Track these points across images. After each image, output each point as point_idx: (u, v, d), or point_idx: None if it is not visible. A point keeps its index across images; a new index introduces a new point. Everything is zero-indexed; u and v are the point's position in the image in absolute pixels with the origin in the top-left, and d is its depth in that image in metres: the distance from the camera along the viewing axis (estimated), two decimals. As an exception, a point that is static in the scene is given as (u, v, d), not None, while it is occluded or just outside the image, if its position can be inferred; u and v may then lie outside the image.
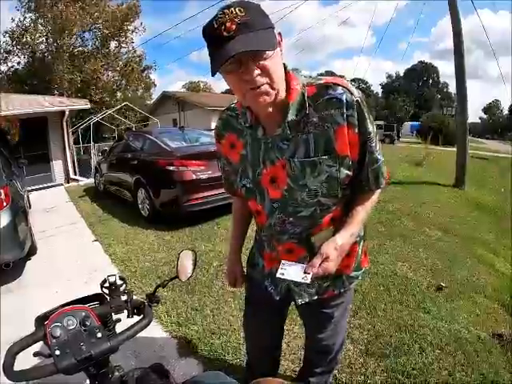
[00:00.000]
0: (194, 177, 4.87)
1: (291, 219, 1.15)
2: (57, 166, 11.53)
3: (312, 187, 1.07)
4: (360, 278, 1.36)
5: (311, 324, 1.50)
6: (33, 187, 9.01)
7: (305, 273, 1.03)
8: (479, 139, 42.00)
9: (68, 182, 11.14)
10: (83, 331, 0.93)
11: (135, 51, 22.29)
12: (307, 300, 1.29)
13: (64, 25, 18.06)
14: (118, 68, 21.99)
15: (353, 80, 61.54)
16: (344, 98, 0.99)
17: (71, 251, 4.44)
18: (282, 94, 0.99)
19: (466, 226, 4.82)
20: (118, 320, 1.11)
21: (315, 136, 1.03)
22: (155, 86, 27.94)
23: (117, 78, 22.49)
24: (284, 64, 1.01)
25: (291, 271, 1.06)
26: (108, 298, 1.11)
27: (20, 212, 3.86)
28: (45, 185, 10.37)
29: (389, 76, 55.64)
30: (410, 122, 38.26)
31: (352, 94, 1.00)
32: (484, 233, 4.65)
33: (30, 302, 3.09)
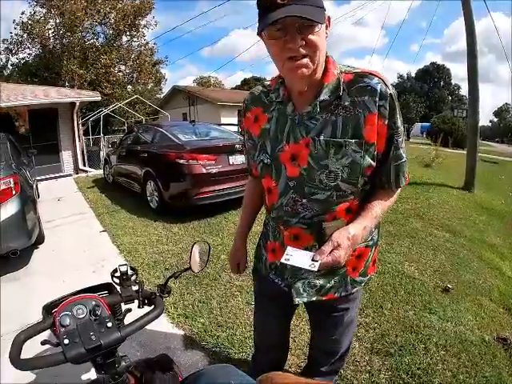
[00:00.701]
0: (204, 170, 4.88)
1: (304, 201, 1.12)
2: (66, 156, 11.68)
3: (333, 169, 1.05)
4: (364, 284, 1.32)
5: (318, 325, 1.50)
6: (42, 177, 9.07)
7: (312, 260, 0.94)
8: (489, 142, 41.57)
9: (77, 173, 11.23)
10: (93, 320, 0.91)
11: (147, 44, 22.32)
12: (305, 300, 1.26)
13: (73, 20, 18.10)
14: (129, 62, 22.03)
15: (364, 79, 61.41)
16: (379, 87, 1.00)
17: (79, 241, 4.48)
18: (319, 73, 1.02)
19: (474, 228, 4.79)
20: (129, 310, 1.11)
21: (344, 119, 1.03)
22: (166, 80, 27.98)
23: (128, 71, 22.54)
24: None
25: (297, 258, 0.97)
26: (118, 287, 1.11)
27: (29, 201, 3.90)
28: (54, 175, 10.45)
29: (400, 76, 55.14)
30: (420, 123, 37.93)
31: (387, 86, 1.02)
32: (492, 236, 4.61)
33: (36, 291, 3.13)
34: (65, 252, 4.11)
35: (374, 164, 1.06)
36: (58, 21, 19.06)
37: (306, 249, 1.06)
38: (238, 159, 5.15)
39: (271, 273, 1.35)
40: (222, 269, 3.37)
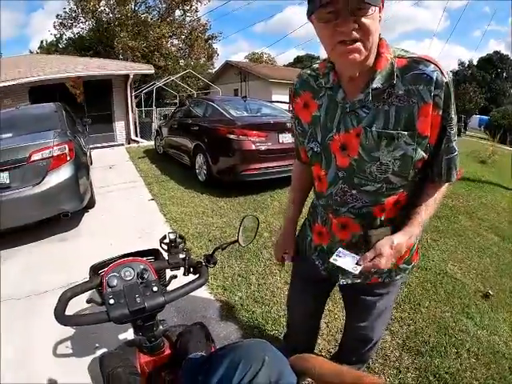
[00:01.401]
0: (254, 147, 4.91)
1: (354, 191, 1.11)
2: (119, 127, 12.14)
3: (384, 161, 1.03)
4: (408, 272, 1.32)
5: (353, 310, 1.50)
6: (96, 145, 9.44)
7: (356, 264, 1.04)
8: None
9: (129, 143, 11.63)
10: (140, 283, 0.95)
11: (199, 20, 22.28)
12: (350, 282, 1.27)
13: None
14: (182, 36, 22.12)
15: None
16: (434, 76, 0.95)
17: (128, 208, 4.71)
18: (371, 60, 0.97)
19: (525, 234, 4.54)
20: (175, 276, 1.15)
21: (398, 109, 0.99)
22: (218, 55, 27.97)
23: (181, 45, 22.68)
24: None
25: (344, 259, 1.07)
26: (165, 254, 1.15)
27: (82, 167, 4.12)
28: (107, 144, 10.90)
29: (461, 63, 51.62)
30: (478, 116, 35.65)
31: (443, 74, 0.96)
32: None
33: (84, 251, 3.34)
34: (113, 217, 4.35)
35: (426, 156, 1.03)
36: None
37: (353, 236, 1.15)
38: (288, 138, 5.10)
39: (314, 254, 1.35)
40: (263, 246, 3.44)
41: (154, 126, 12.70)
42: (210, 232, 3.79)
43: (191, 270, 1.13)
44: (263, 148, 4.95)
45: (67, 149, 3.75)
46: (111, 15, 20.26)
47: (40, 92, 9.61)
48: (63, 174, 3.66)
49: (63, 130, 4.09)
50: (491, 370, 2.07)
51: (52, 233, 3.83)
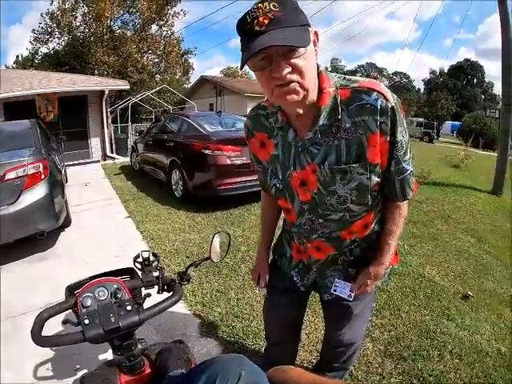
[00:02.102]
0: (229, 161, 4.91)
1: (320, 220, 1.16)
2: (94, 143, 12.02)
3: (341, 194, 1.06)
4: (386, 276, 1.36)
5: (331, 317, 1.52)
6: (71, 162, 9.31)
7: (350, 291, 1.26)
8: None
9: (104, 160, 11.53)
10: (113, 303, 0.94)
11: (173, 34, 22.42)
12: (334, 296, 1.32)
13: (99, 8, 18.36)
14: (157, 52, 22.21)
15: (394, 73, 59.82)
16: (378, 104, 0.95)
17: (104, 226, 4.61)
18: (313, 96, 0.97)
19: (500, 235, 4.64)
20: (149, 295, 1.14)
21: (347, 142, 1.00)
22: (193, 69, 28.14)
23: (156, 60, 22.76)
24: (317, 64, 0.97)
25: (341, 289, 1.27)
26: (139, 272, 1.14)
27: (57, 185, 4.02)
28: (82, 161, 10.76)
29: (432, 72, 53.48)
30: (450, 122, 36.88)
31: (387, 100, 0.96)
32: (519, 244, 4.47)
33: (60, 272, 3.24)
34: (90, 236, 4.24)
35: (379, 180, 1.07)
36: (85, 10, 19.38)
37: (327, 256, 1.26)
38: (264, 151, 5.10)
39: (294, 270, 1.39)
40: (241, 260, 3.41)
41: (130, 142, 12.64)
42: (188, 248, 3.75)
43: (165, 287, 1.13)
44: (239, 162, 4.95)
45: (42, 167, 3.67)
46: (87, 31, 20.21)
47: (15, 108, 9.49)
48: (38, 192, 3.57)
49: (38, 148, 4.02)
50: (475, 369, 2.10)
51: (30, 252, 3.73)
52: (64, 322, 0.96)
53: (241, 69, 0.92)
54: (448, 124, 36.35)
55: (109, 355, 2.00)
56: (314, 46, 0.92)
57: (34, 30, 20.87)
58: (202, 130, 5.46)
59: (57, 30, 20.33)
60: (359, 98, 0.97)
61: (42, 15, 19.92)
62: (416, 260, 3.53)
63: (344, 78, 1.03)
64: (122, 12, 20.53)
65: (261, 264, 1.54)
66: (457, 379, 2.01)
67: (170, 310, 1.01)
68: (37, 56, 23.08)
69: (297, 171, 1.10)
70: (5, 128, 4.85)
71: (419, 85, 59.85)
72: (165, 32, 22.22)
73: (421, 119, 30.17)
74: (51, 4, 19.56)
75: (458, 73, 49.36)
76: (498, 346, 2.34)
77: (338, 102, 0.99)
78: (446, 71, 51.14)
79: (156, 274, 1.13)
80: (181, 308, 2.64)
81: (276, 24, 0.82)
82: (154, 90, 17.92)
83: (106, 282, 1.01)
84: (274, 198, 1.28)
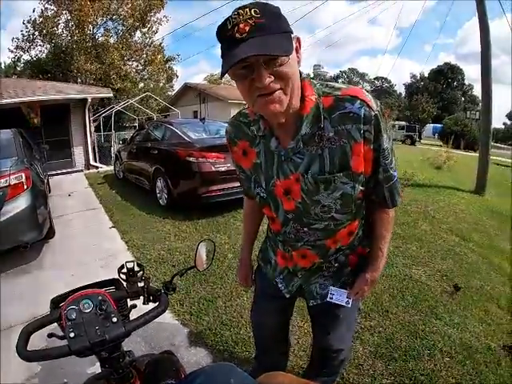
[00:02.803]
0: (213, 168, 4.90)
1: (305, 229, 1.14)
2: (77, 152, 11.81)
3: (326, 203, 1.05)
4: None
5: (318, 322, 1.51)
6: (53, 172, 9.19)
7: (347, 297, 1.26)
8: (502, 145, 40.92)
9: (88, 169, 11.34)
10: (99, 315, 0.93)
11: (152, 42, 22.35)
12: (319, 302, 1.31)
13: (81, 15, 18.21)
14: (141, 60, 22.12)
15: (376, 78, 60.86)
16: (362, 112, 0.94)
17: (88, 236, 4.53)
18: (296, 104, 0.95)
19: (483, 233, 4.73)
20: (134, 306, 1.12)
21: (330, 151, 0.99)
22: (177, 77, 28.05)
23: (140, 67, 22.65)
24: (300, 72, 0.95)
25: (338, 296, 1.27)
26: (124, 283, 1.12)
27: (40, 195, 3.94)
28: (65, 170, 10.55)
29: (413, 76, 54.64)
30: (432, 124, 37.66)
31: (370, 108, 0.94)
32: (502, 242, 4.54)
33: (45, 284, 3.18)
34: (74, 247, 4.16)
35: (363, 189, 1.06)
36: (68, 17, 19.21)
37: (313, 264, 1.25)
38: (248, 158, 5.11)
39: (279, 277, 1.37)
40: (228, 268, 3.38)
41: (113, 150, 12.51)
42: (174, 257, 3.71)
43: (151, 298, 1.11)
44: (223, 169, 4.94)
45: (24, 177, 3.59)
46: (69, 38, 20.00)
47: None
48: (20, 203, 3.48)
49: (20, 158, 3.92)
50: (466, 366, 2.13)
51: (14, 265, 3.63)
52: (49, 336, 0.94)
53: (221, 78, 0.89)
54: (429, 126, 37.12)
55: (97, 368, 1.98)
56: (297, 52, 0.90)
57: (13, 38, 20.61)
58: (185, 138, 5.44)
59: (39, 37, 20.10)
60: (342, 106, 0.96)
61: (23, 22, 19.66)
62: (402, 261, 3.56)
63: (327, 86, 1.01)
64: (104, 19, 20.39)
65: (245, 264, 1.57)
66: (448, 377, 2.04)
67: (157, 320, 1.00)
68: (19, 64, 22.78)
69: (280, 180, 1.08)
70: None
71: (400, 89, 61.02)
72: (148, 39, 22.14)
73: (402, 122, 30.72)
74: (33, 11, 19.37)
75: (439, 76, 50.60)
76: (487, 342, 2.37)
77: (321, 110, 0.97)
78: (426, 75, 52.33)
79: (141, 284, 1.12)
80: (169, 318, 2.61)
81: (257, 31, 0.80)
82: (137, 98, 17.81)
83: (91, 293, 0.99)
84: (259, 206, 1.27)
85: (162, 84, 27.18)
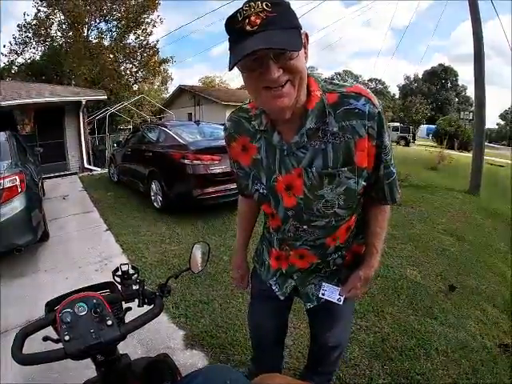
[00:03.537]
0: (208, 171, 4.89)
1: (305, 227, 1.14)
2: (72, 155, 11.70)
3: (329, 198, 1.04)
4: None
5: (315, 322, 1.52)
6: (48, 175, 9.11)
7: (339, 294, 1.25)
8: (496, 145, 41.27)
9: (82, 172, 11.25)
10: (94, 318, 0.92)
11: (148, 44, 22.32)
12: (316, 303, 1.32)
13: (75, 16, 18.18)
14: (135, 62, 22.08)
15: (370, 80, 61.09)
16: (366, 109, 0.95)
17: (83, 239, 4.50)
18: (303, 98, 0.94)
19: (478, 233, 4.76)
20: (129, 309, 1.11)
21: (334, 146, 0.99)
22: (172, 79, 28.02)
23: (134, 70, 22.61)
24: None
25: (330, 292, 1.26)
26: (119, 286, 1.12)
27: (34, 199, 3.92)
28: (59, 173, 10.46)
29: (407, 77, 55.00)
30: (426, 125, 37.87)
31: (374, 105, 0.96)
32: (497, 241, 4.57)
33: (40, 287, 3.15)
34: (69, 250, 4.13)
35: (365, 184, 1.07)
36: (61, 18, 19.17)
37: (311, 264, 1.25)
38: (242, 160, 5.11)
39: (272, 279, 1.37)
40: (223, 270, 3.37)
41: (108, 153, 12.47)
42: (169, 260, 3.69)
43: (146, 300, 1.11)
44: (218, 171, 4.93)
45: (18, 180, 3.57)
46: (63, 40, 19.94)
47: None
48: (14, 207, 3.46)
49: (14, 161, 3.89)
50: (463, 365, 2.14)
51: (8, 269, 3.58)
52: (44, 339, 0.93)
53: (230, 69, 0.87)
54: (424, 127, 37.33)
55: (92, 372, 1.96)
56: (305, 48, 0.89)
57: (5, 45, 20.59)
58: (180, 140, 5.42)
59: (33, 39, 20.04)
60: (347, 103, 0.96)
61: (18, 25, 19.58)
62: (397, 261, 3.57)
63: (331, 83, 1.02)
64: (98, 21, 20.35)
65: (240, 265, 1.56)
66: (445, 376, 2.04)
67: (153, 323, 0.99)
68: (13, 67, 22.68)
69: (282, 175, 1.07)
70: None
71: (394, 90, 61.38)
72: (142, 41, 22.11)
73: (396, 124, 30.84)
74: (24, 15, 19.29)
75: (432, 77, 50.98)
76: (483, 341, 2.39)
77: (326, 105, 0.98)
78: (420, 77, 52.65)
79: (136, 287, 1.11)
80: (164, 321, 2.59)
81: (268, 25, 0.79)
82: (131, 101, 17.78)
83: (86, 296, 0.98)
84: (257, 204, 1.26)
85: (156, 86, 27.13)
